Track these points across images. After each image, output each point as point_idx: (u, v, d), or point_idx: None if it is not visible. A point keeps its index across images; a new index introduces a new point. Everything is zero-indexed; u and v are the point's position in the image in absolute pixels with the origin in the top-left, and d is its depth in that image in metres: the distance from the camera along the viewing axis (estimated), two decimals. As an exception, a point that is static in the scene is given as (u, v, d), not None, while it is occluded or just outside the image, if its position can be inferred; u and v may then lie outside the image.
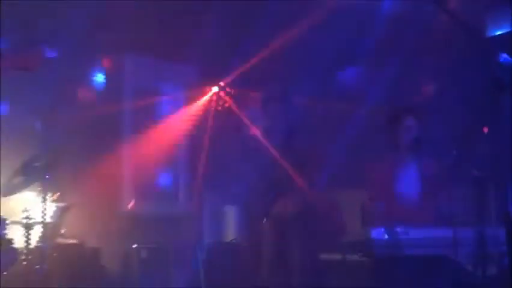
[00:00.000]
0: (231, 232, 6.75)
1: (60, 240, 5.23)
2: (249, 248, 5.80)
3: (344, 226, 5.38)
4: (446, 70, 5.74)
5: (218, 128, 6.22)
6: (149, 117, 6.51)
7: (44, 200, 4.82)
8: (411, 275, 4.07)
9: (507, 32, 5.47)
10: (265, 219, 5.01)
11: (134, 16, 5.66)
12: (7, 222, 4.67)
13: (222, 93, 6.17)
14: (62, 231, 5.24)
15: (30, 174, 4.81)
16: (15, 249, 4.67)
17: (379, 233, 4.33)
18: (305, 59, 6.17)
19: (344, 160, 5.67)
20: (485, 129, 3.77)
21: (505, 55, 3.51)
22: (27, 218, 4.83)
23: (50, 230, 5.01)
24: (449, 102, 5.54)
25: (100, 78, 6.21)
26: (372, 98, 5.92)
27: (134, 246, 5.84)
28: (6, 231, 4.64)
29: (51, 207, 5.04)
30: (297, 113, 5.54)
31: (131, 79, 6.57)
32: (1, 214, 4.66)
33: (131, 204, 6.49)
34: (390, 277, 4.19)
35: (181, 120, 6.58)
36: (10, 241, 4.64)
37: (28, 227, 4.82)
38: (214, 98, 6.19)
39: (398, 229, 4.19)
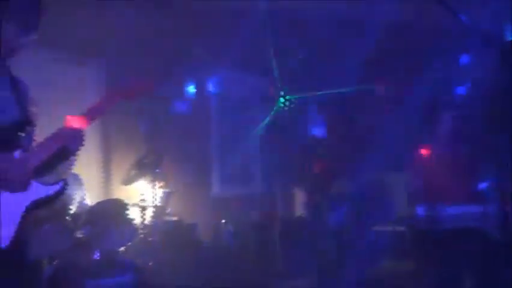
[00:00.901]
0: (298, 209, 7.05)
1: (166, 218, 5.71)
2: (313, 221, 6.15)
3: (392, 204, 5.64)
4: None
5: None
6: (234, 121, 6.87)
7: (154, 187, 5.38)
8: (447, 244, 4.24)
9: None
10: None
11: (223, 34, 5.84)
12: (127, 205, 5.04)
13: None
14: (167, 211, 5.73)
15: (142, 168, 5.41)
16: (134, 226, 5.07)
17: (421, 210, 4.48)
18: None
19: (393, 148, 5.70)
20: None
21: None
22: (142, 201, 5.37)
23: (158, 211, 5.56)
24: (482, 94, 5.47)
25: (191, 89, 6.62)
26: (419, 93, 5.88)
27: (222, 221, 6.38)
28: (127, 212, 4.99)
29: (159, 193, 5.53)
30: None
31: (218, 90, 6.92)
32: (123, 199, 5.17)
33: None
34: (428, 246, 4.40)
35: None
36: (131, 219, 5.02)
37: (143, 208, 5.34)
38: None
39: (436, 206, 4.35)
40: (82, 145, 2.61)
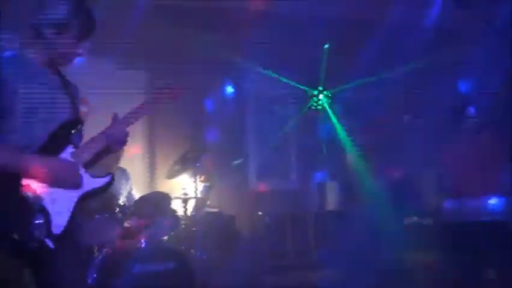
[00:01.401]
0: (332, 202, 7.08)
1: (207, 209, 5.80)
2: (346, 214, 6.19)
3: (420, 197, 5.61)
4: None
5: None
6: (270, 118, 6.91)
7: (195, 181, 5.49)
8: (474, 237, 4.35)
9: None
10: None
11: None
12: (171, 197, 5.21)
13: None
14: (208, 203, 5.82)
15: (184, 163, 5.46)
16: (177, 217, 5.19)
17: (448, 203, 4.64)
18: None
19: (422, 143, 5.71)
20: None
21: None
22: (184, 194, 5.44)
23: (199, 203, 5.66)
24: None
25: (229, 89, 6.75)
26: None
27: (259, 213, 6.46)
28: (171, 204, 5.15)
29: (200, 186, 5.64)
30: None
31: (253, 90, 7.03)
32: (167, 191, 5.36)
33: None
34: (454, 238, 4.50)
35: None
36: (174, 211, 5.21)
37: (185, 201, 5.42)
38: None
39: (463, 199, 4.49)
40: (126, 143, 2.75)
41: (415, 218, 5.34)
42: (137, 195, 5.58)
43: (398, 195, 5.45)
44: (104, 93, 5.18)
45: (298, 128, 7.08)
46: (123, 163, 5.45)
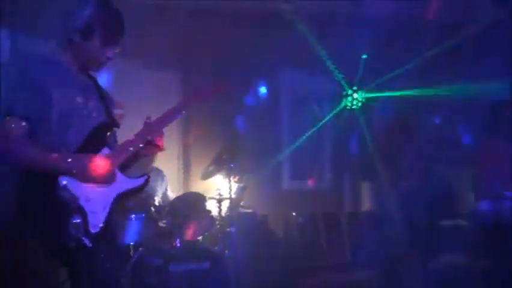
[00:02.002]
0: (366, 203, 6.95)
1: (241, 210, 5.81)
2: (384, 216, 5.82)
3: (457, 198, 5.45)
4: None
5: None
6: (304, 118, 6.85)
7: (230, 181, 5.41)
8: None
9: None
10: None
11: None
12: (206, 197, 5.27)
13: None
14: (242, 203, 5.81)
15: (219, 164, 5.48)
16: (212, 217, 5.26)
17: (485, 204, 4.54)
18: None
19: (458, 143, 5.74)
20: None
21: None
22: (219, 194, 5.45)
23: (233, 203, 5.56)
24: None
25: (263, 90, 6.70)
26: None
27: (293, 213, 6.37)
28: (206, 204, 5.21)
29: (234, 187, 5.54)
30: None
31: (287, 90, 7.05)
32: (203, 192, 5.44)
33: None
34: (491, 240, 4.43)
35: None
36: (209, 211, 5.25)
37: (220, 201, 5.43)
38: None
39: (502, 200, 4.37)
40: (160, 145, 2.79)
41: (451, 220, 5.21)
42: (172, 195, 5.67)
43: (432, 195, 5.25)
44: (138, 96, 5.27)
45: (333, 128, 7.06)
46: (158, 163, 5.54)
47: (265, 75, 6.57)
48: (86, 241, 2.41)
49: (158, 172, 5.59)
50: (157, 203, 5.15)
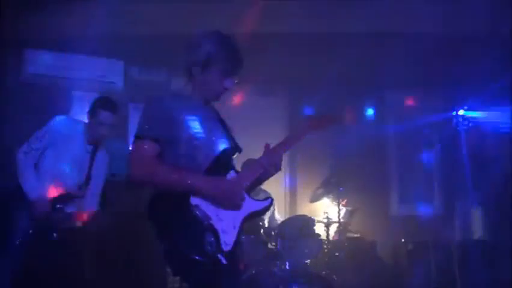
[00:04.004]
0: (479, 230, 6.63)
1: (349, 234, 5.75)
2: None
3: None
4: None
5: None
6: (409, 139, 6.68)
7: (338, 205, 5.45)
8: None
9: None
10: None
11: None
12: (315, 221, 5.21)
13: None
14: (349, 228, 5.75)
15: (328, 187, 5.51)
16: (321, 241, 5.22)
17: None
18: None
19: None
20: None
21: None
22: (327, 218, 5.42)
23: (341, 227, 5.61)
24: None
25: (370, 112, 6.70)
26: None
27: (402, 240, 6.10)
28: (314, 227, 5.15)
29: (342, 210, 5.58)
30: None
31: (394, 111, 6.90)
32: (309, 215, 5.35)
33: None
34: None
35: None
36: (318, 234, 5.17)
37: (328, 225, 5.40)
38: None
39: None
40: (278, 170, 2.85)
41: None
42: (279, 217, 5.68)
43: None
44: (253, 122, 5.34)
45: (442, 151, 6.81)
46: (265, 185, 5.54)
47: (372, 97, 6.54)
48: (222, 258, 2.47)
49: (265, 194, 5.60)
50: (265, 225, 5.14)
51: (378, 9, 5.36)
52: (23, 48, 5.38)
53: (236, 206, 2.61)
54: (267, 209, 2.76)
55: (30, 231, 3.86)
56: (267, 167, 2.76)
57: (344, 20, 5.70)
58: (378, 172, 6.54)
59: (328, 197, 5.67)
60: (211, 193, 2.53)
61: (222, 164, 2.67)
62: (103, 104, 4.04)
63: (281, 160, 2.83)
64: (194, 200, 2.50)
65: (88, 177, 4.15)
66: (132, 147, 2.61)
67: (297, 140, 2.89)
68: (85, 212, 4.13)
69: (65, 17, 5.08)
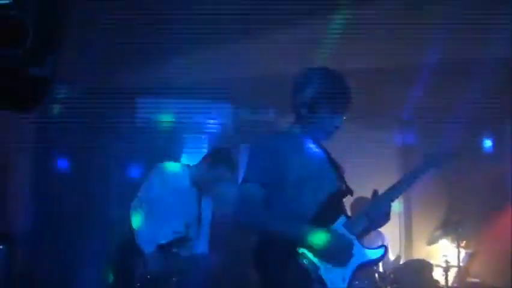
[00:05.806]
0: None
1: (469, 280, 5.40)
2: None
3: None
4: None
5: None
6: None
7: (458, 247, 5.13)
8: None
9: None
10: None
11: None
12: (433, 265, 5.00)
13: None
14: (470, 272, 5.43)
15: (447, 228, 5.25)
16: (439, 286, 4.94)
17: None
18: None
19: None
20: None
21: None
22: (446, 261, 5.08)
23: (461, 272, 5.26)
24: None
25: (487, 143, 6.16)
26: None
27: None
28: (433, 272, 4.91)
29: (462, 253, 5.25)
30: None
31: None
32: (426, 259, 5.19)
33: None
34: None
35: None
36: (436, 281, 4.92)
37: (447, 270, 5.06)
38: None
39: None
40: (388, 220, 2.69)
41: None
42: (392, 260, 5.40)
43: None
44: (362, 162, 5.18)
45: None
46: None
47: (490, 127, 6.11)
48: None
49: (379, 234, 5.33)
50: (381, 270, 4.91)
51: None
52: (136, 95, 5.59)
53: (341, 260, 2.47)
54: (380, 259, 2.62)
55: (148, 276, 3.92)
56: (375, 218, 2.62)
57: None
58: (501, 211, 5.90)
59: (447, 239, 5.37)
60: (316, 247, 2.41)
61: (331, 208, 2.56)
62: (226, 159, 4.11)
63: (390, 208, 2.66)
64: (302, 248, 2.41)
65: (198, 220, 4.19)
66: (239, 191, 2.56)
67: (415, 180, 2.72)
68: (197, 254, 4.18)
69: (170, 67, 5.22)
